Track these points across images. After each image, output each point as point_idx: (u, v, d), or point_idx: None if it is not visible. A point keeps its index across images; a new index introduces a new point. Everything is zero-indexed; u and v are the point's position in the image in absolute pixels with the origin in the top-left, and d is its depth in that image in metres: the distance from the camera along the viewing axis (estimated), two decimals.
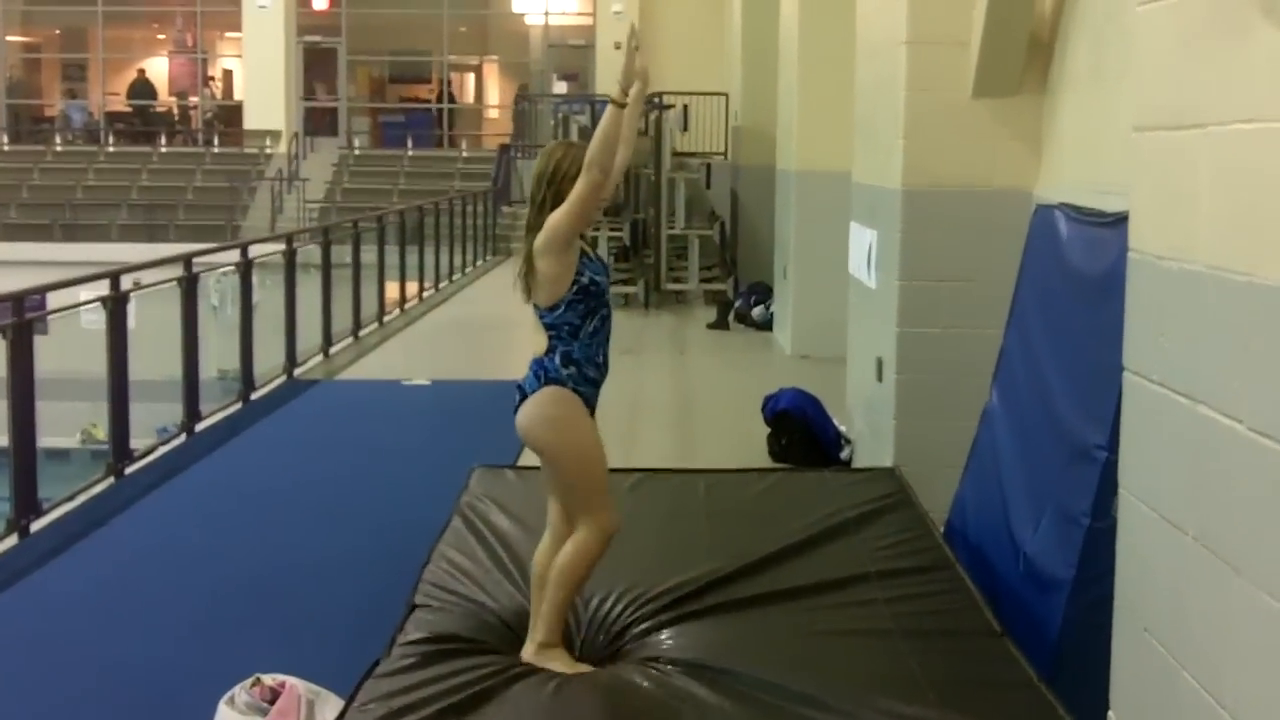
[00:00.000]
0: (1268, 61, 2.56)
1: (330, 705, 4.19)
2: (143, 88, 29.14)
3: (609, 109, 4.12)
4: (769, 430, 8.44)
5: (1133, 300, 3.30)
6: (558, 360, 4.19)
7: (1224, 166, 2.76)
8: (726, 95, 20.62)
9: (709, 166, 19.39)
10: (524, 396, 4.23)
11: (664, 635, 4.49)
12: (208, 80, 30.21)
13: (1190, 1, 2.93)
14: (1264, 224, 2.56)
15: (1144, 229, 3.23)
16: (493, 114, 30.80)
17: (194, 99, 29.81)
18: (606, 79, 26.68)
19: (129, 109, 29.35)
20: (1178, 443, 2.97)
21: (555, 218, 4.12)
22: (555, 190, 4.16)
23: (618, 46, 28.56)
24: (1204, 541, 2.82)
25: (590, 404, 4.27)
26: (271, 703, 4.22)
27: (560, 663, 4.26)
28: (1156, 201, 3.16)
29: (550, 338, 4.21)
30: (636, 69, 4.20)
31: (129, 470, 7.84)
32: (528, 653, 4.30)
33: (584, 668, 4.33)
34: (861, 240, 7.72)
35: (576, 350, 4.20)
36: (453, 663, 4.21)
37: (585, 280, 4.20)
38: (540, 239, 4.14)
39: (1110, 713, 3.39)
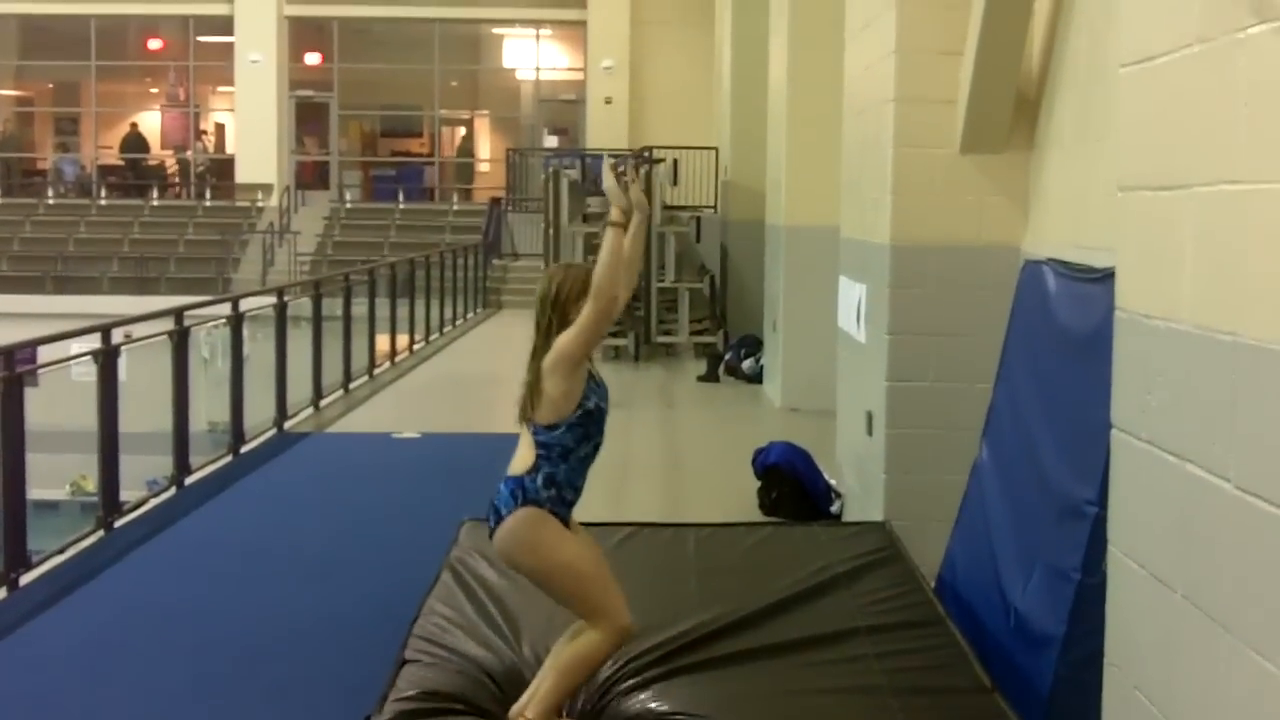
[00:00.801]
0: (1250, 123, 2.59)
1: None
2: (135, 141, 29.22)
3: (609, 231, 4.16)
4: (759, 484, 8.44)
5: (1120, 358, 3.32)
6: (539, 481, 4.12)
7: (1208, 227, 2.79)
8: (716, 150, 20.73)
9: (699, 220, 19.46)
10: (499, 518, 4.15)
11: (653, 691, 4.48)
12: (200, 134, 30.32)
13: (1173, 64, 2.97)
14: (1248, 284, 2.59)
15: (1130, 288, 3.25)
16: (483, 168, 30.91)
17: (186, 152, 29.91)
18: (597, 133, 26.84)
19: (121, 162, 29.41)
20: (1166, 500, 2.99)
21: (565, 341, 4.09)
22: (560, 314, 4.14)
23: (608, 101, 28.92)
24: (1193, 599, 2.83)
25: (564, 522, 4.20)
26: None
27: None
28: (1142, 261, 3.18)
29: (538, 456, 4.13)
30: (635, 200, 4.22)
31: (118, 523, 7.82)
32: None
33: None
34: (850, 295, 7.75)
35: (562, 473, 4.14)
36: None
37: (591, 405, 4.17)
38: (550, 359, 4.11)
39: None
